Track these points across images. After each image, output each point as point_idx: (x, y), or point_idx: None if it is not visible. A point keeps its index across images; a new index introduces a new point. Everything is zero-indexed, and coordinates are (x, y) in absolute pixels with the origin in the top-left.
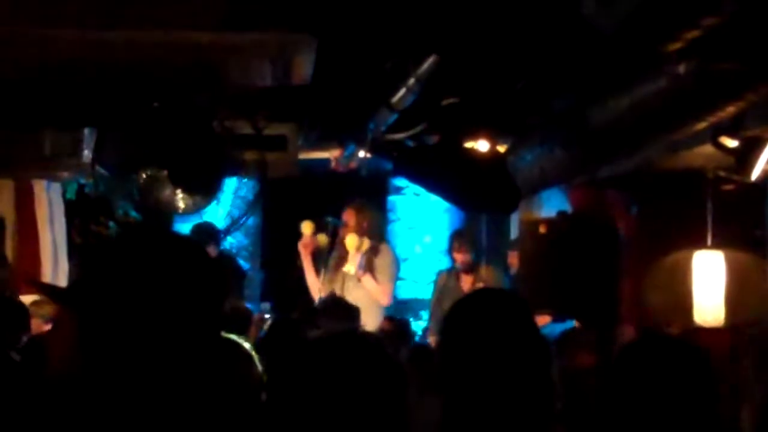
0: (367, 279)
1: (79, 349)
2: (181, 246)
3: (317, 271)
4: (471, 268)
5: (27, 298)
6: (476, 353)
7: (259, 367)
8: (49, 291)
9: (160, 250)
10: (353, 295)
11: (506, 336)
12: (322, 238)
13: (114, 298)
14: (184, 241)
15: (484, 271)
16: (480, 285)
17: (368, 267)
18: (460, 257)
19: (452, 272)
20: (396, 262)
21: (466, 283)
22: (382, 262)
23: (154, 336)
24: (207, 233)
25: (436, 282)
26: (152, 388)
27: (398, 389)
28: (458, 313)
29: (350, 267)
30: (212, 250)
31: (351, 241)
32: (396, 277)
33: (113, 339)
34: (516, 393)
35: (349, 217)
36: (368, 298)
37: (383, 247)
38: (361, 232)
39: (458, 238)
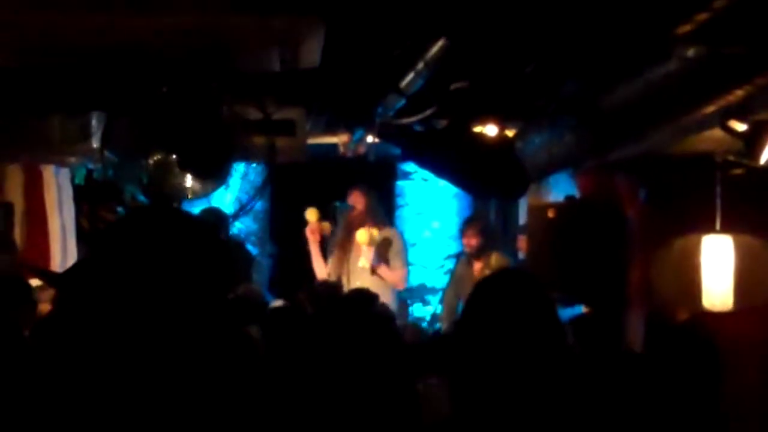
0: (382, 270)
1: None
2: (185, 226)
3: (324, 257)
4: (479, 254)
5: (33, 283)
6: (497, 336)
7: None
8: (46, 276)
9: (161, 232)
10: (361, 282)
11: (527, 318)
12: (327, 226)
13: (110, 280)
14: (188, 221)
15: (494, 258)
16: (488, 272)
17: (382, 258)
18: (467, 242)
19: (466, 258)
20: (406, 246)
21: (476, 269)
22: (394, 250)
23: (153, 318)
24: (215, 218)
25: (453, 268)
26: (149, 370)
27: (407, 372)
28: (479, 295)
29: (364, 262)
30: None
31: (362, 236)
32: (407, 261)
33: (108, 320)
34: (532, 375)
35: (356, 200)
36: (377, 285)
37: (392, 233)
38: (369, 215)
39: (467, 224)
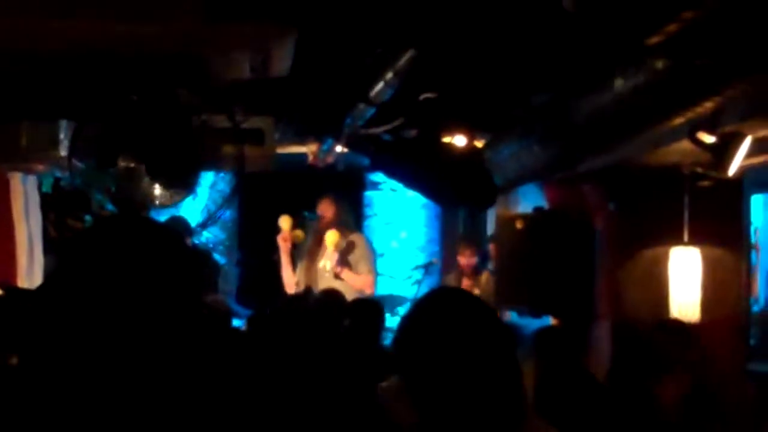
0: (346, 273)
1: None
2: (154, 235)
3: (294, 266)
4: (477, 273)
5: None
6: (438, 350)
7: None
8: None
9: (131, 240)
10: (327, 286)
11: (468, 331)
12: (300, 234)
13: (83, 292)
14: (158, 229)
15: (483, 277)
16: (476, 291)
17: (344, 262)
18: (466, 262)
19: (457, 273)
20: (373, 252)
21: (465, 285)
22: (359, 254)
23: (128, 329)
24: (180, 227)
25: (440, 283)
26: (125, 381)
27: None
28: (419, 311)
29: (326, 263)
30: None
31: (331, 237)
32: (375, 266)
33: (82, 334)
34: (482, 385)
35: (325, 209)
36: (343, 289)
37: (358, 239)
38: (337, 225)
39: (462, 243)
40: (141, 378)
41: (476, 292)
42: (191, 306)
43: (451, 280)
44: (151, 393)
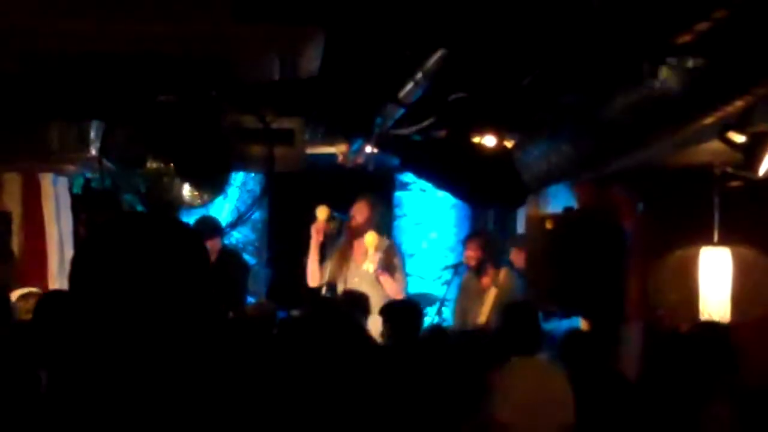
0: (385, 279)
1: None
2: (167, 233)
3: (321, 260)
4: (479, 269)
5: (15, 292)
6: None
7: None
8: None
9: (143, 238)
10: (360, 288)
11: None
12: (333, 225)
13: (101, 289)
14: (171, 228)
15: (502, 274)
16: (493, 289)
17: (386, 266)
18: (467, 255)
19: (473, 272)
20: (404, 259)
21: (484, 283)
22: (397, 261)
23: (141, 325)
24: (210, 226)
25: (461, 280)
26: (141, 376)
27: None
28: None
29: (369, 266)
30: (217, 243)
31: (371, 239)
32: (406, 272)
33: (104, 330)
34: None
35: (359, 211)
36: (376, 292)
37: (393, 246)
38: (370, 227)
39: (470, 238)
40: (152, 383)
41: (494, 290)
42: (204, 307)
43: (468, 279)
44: (161, 399)
